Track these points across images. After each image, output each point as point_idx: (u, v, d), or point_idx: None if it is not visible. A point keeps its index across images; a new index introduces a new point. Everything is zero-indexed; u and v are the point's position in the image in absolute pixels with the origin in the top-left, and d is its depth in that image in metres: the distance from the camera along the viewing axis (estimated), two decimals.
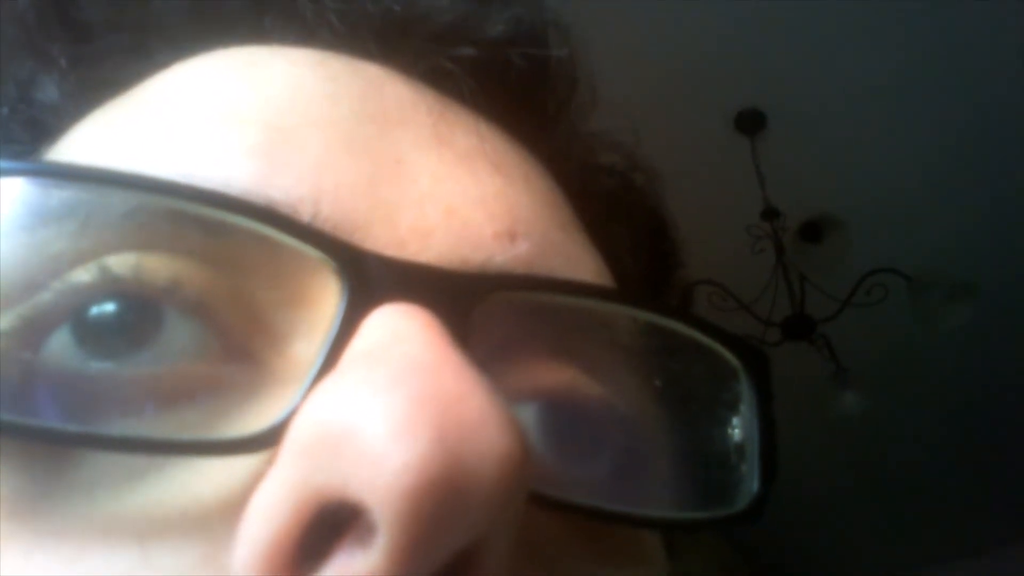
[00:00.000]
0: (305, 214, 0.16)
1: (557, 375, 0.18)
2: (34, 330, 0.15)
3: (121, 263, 0.15)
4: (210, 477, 0.14)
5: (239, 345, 0.16)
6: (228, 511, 0.14)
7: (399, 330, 0.14)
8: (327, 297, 0.16)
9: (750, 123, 1.84)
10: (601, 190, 0.26)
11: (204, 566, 0.13)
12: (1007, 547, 3.01)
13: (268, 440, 0.14)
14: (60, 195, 0.15)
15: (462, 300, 0.16)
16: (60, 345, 0.15)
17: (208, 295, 0.16)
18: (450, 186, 0.18)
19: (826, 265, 1.79)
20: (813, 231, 1.82)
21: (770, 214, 1.79)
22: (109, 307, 0.15)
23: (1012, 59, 1.76)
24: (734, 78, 1.77)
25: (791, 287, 1.77)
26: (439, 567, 0.12)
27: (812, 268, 1.80)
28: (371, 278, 0.15)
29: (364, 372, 0.13)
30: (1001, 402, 2.51)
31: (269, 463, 0.14)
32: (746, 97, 1.82)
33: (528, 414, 0.17)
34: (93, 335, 0.15)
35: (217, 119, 0.18)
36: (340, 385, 0.13)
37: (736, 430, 0.19)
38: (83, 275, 0.15)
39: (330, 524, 0.13)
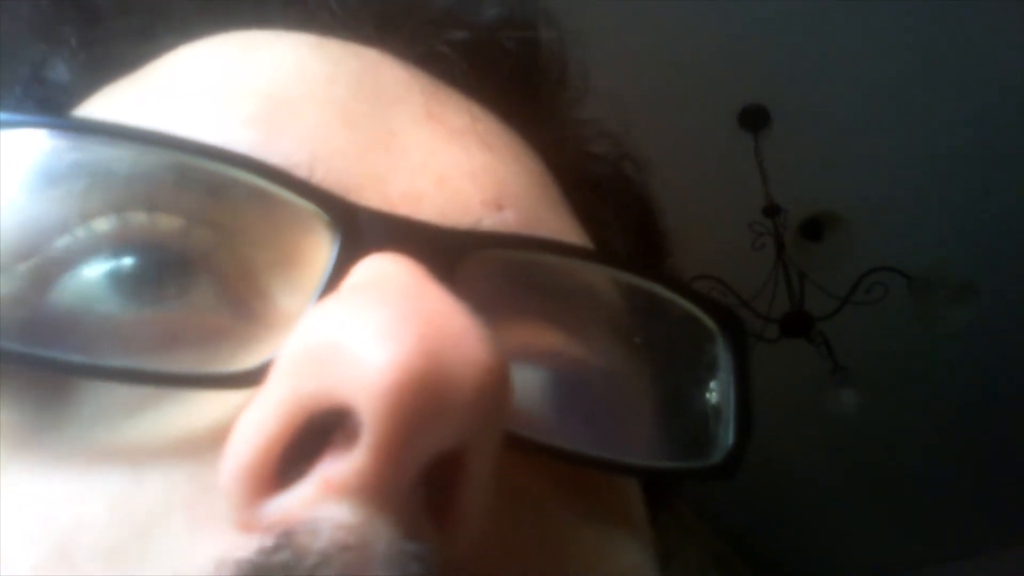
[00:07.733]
0: (301, 175, 0.17)
1: (540, 337, 0.19)
2: (42, 277, 0.16)
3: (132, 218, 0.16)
4: (203, 410, 0.15)
5: (235, 299, 0.17)
6: (218, 437, 0.15)
7: (386, 269, 0.15)
8: (319, 258, 0.17)
9: (754, 119, 1.84)
10: (591, 177, 0.27)
11: (189, 483, 0.14)
12: (1006, 549, 3.00)
13: (261, 375, 0.15)
14: (68, 153, 0.16)
15: (448, 253, 0.17)
16: (66, 291, 0.16)
17: (208, 253, 0.17)
18: (441, 159, 0.19)
19: (826, 263, 1.79)
20: (814, 228, 1.83)
21: (772, 210, 1.80)
22: (128, 260, 0.16)
23: (1017, 58, 1.76)
24: (738, 75, 1.78)
25: (791, 284, 1.78)
26: (423, 470, 0.13)
27: (812, 265, 1.81)
28: (362, 230, 0.16)
29: (350, 297, 0.14)
30: (1000, 402, 2.51)
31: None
32: (750, 94, 1.82)
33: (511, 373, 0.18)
34: (100, 284, 0.16)
35: (217, 94, 0.19)
36: (326, 309, 0.14)
37: (714, 391, 0.20)
38: (103, 224, 0.16)
39: (319, 437, 0.14)
